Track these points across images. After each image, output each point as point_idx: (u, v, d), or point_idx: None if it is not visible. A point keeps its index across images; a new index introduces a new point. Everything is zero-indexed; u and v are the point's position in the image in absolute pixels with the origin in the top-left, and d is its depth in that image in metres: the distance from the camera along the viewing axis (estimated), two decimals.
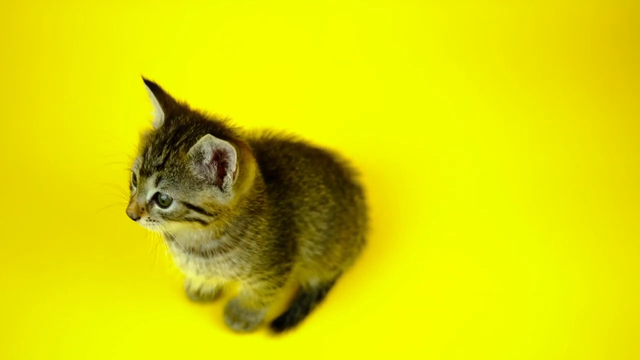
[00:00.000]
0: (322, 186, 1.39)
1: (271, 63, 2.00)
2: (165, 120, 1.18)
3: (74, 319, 1.45)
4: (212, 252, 1.25)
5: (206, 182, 1.15)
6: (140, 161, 1.16)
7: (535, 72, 2.03)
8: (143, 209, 1.16)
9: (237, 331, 1.44)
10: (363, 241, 1.55)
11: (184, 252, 1.26)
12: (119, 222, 1.58)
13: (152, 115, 1.22)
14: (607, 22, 2.10)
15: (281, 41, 2.04)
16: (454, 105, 1.95)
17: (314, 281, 1.49)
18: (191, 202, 1.15)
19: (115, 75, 1.93)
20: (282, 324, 1.46)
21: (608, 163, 1.81)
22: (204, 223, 1.17)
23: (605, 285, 1.56)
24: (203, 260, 1.26)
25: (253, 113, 1.76)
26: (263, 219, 1.25)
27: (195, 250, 1.25)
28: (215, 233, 1.22)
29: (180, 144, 1.15)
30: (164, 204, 1.15)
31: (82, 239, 1.57)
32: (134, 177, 1.18)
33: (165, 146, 1.15)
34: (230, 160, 1.13)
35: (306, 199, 1.35)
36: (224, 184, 1.15)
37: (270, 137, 1.45)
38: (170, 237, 1.25)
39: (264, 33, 2.05)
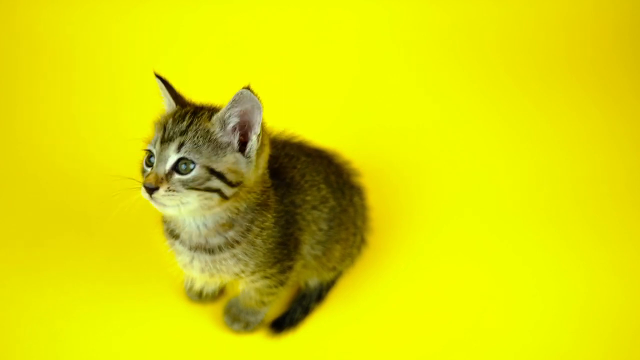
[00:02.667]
0: (322, 186, 1.39)
1: (272, 63, 2.00)
2: (179, 106, 1.20)
3: (75, 319, 1.45)
4: (219, 248, 1.24)
5: (230, 147, 1.15)
6: (160, 134, 1.15)
7: (535, 74, 2.04)
8: (162, 178, 1.13)
9: (237, 331, 1.44)
10: (363, 241, 1.56)
11: (189, 250, 1.25)
12: (120, 222, 1.59)
13: (165, 107, 1.24)
14: (606, 23, 2.11)
15: (282, 41, 2.05)
16: (454, 106, 1.96)
17: (313, 282, 1.49)
18: (214, 166, 1.14)
19: (118, 75, 1.94)
20: (282, 324, 1.46)
21: (607, 164, 1.81)
22: (224, 197, 1.15)
23: (605, 285, 1.57)
24: (208, 258, 1.25)
25: None
26: (269, 215, 1.25)
27: (201, 247, 1.24)
28: (228, 219, 1.20)
29: (202, 114, 1.16)
30: (185, 171, 1.13)
31: (83, 240, 1.57)
32: (149, 155, 1.16)
33: (188, 115, 1.16)
34: (256, 121, 1.15)
35: (308, 198, 1.35)
36: (247, 150, 1.16)
37: (271, 136, 1.45)
38: (175, 235, 1.25)
39: (264, 33, 2.06)
